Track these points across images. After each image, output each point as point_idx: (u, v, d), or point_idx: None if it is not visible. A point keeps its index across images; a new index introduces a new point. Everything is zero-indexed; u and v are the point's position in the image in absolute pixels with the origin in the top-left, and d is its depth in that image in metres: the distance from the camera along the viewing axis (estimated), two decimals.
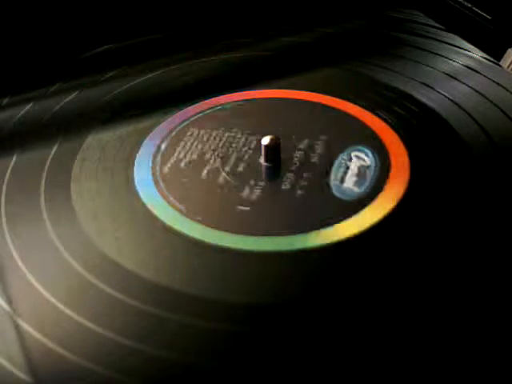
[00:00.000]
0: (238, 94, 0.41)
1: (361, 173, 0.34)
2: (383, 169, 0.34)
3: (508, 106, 0.39)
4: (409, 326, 0.27)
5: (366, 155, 0.34)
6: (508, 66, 0.43)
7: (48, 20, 0.48)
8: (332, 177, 0.33)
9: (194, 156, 0.36)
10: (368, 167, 0.33)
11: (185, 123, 0.39)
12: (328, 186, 0.33)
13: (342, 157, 0.34)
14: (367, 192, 0.33)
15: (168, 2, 0.50)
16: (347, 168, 0.33)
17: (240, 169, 0.35)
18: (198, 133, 0.38)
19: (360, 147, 0.35)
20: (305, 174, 0.35)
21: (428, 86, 0.41)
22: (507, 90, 0.40)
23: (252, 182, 0.34)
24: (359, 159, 0.33)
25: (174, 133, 0.38)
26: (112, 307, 0.28)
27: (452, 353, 0.26)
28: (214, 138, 0.37)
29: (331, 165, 0.34)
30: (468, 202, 0.33)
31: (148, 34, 0.48)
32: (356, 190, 0.33)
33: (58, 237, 0.32)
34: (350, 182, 0.33)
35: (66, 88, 0.43)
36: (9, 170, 0.36)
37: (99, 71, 0.44)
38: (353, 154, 0.34)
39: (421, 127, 0.38)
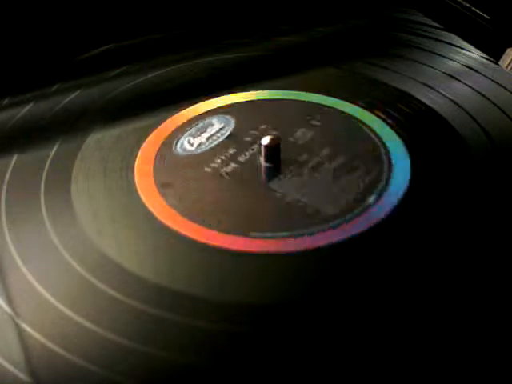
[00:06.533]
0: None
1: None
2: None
3: (508, 105, 0.39)
4: (409, 326, 0.27)
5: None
6: (507, 66, 0.43)
7: (48, 20, 0.48)
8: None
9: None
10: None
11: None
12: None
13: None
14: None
15: (168, 2, 0.50)
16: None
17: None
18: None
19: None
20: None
21: (428, 85, 0.41)
22: (507, 90, 0.40)
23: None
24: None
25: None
26: (112, 307, 0.28)
27: (452, 353, 0.26)
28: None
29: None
30: (468, 202, 0.33)
31: (148, 34, 0.48)
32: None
33: (58, 237, 0.32)
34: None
35: (66, 88, 0.43)
36: (9, 170, 0.36)
37: (99, 71, 0.44)
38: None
39: (420, 127, 0.38)
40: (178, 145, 0.37)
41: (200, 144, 0.37)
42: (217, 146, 0.37)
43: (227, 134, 0.37)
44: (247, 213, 0.33)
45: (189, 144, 0.37)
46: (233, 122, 0.38)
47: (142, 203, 0.33)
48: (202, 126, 0.37)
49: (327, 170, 0.35)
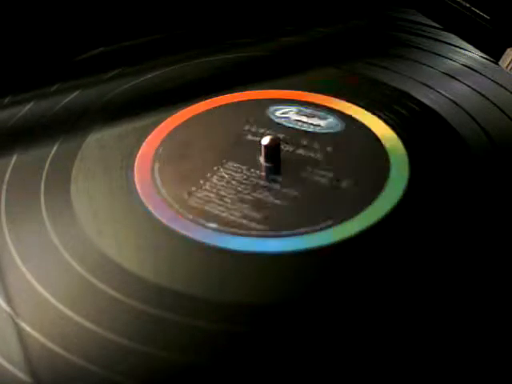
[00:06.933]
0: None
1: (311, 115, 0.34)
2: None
3: (508, 105, 0.39)
4: (408, 326, 0.27)
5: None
6: (507, 66, 0.43)
7: (48, 20, 0.48)
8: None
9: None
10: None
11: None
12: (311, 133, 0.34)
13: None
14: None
15: (168, 2, 0.50)
16: (303, 122, 0.34)
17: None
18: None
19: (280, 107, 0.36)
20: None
21: (428, 85, 0.41)
22: (507, 90, 0.40)
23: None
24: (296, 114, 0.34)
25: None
26: (111, 307, 0.28)
27: (452, 353, 0.26)
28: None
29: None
30: (468, 202, 0.33)
31: (148, 34, 0.48)
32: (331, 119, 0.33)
33: (58, 237, 0.32)
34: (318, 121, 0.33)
35: (66, 88, 0.43)
36: (9, 170, 0.36)
37: (99, 71, 0.44)
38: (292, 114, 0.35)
39: (420, 127, 0.38)
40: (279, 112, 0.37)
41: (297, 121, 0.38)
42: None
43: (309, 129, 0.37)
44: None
45: (296, 115, 0.37)
46: (338, 127, 0.38)
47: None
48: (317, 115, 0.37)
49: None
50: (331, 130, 0.37)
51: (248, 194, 0.34)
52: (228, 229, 0.32)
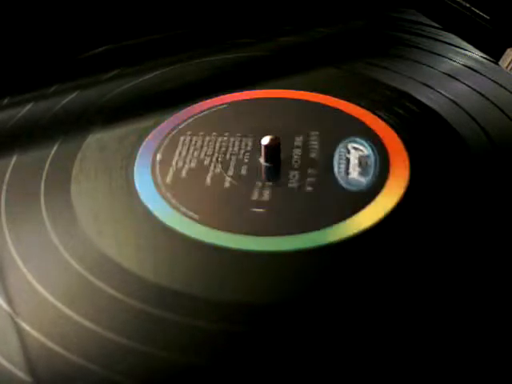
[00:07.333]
0: (237, 94, 0.41)
1: (362, 163, 0.34)
2: (383, 169, 0.35)
3: (508, 105, 0.39)
4: (408, 326, 0.27)
5: (363, 145, 0.33)
6: (507, 66, 0.43)
7: (48, 20, 0.48)
8: (336, 170, 0.33)
9: (194, 156, 0.36)
10: (368, 156, 0.33)
11: (185, 123, 0.39)
12: (335, 180, 0.33)
13: (340, 150, 0.34)
14: (374, 180, 0.33)
15: (168, 2, 0.50)
16: (348, 160, 0.34)
17: (242, 169, 0.35)
18: (199, 133, 0.38)
19: (355, 138, 0.35)
20: (308, 172, 0.35)
21: (428, 85, 0.41)
22: (507, 90, 0.40)
23: (256, 183, 0.34)
24: (357, 150, 0.33)
25: (175, 131, 0.38)
26: (111, 307, 0.28)
27: (452, 352, 0.26)
28: (215, 138, 0.37)
29: (332, 159, 0.34)
30: (468, 202, 0.33)
31: (148, 34, 0.48)
32: (363, 179, 0.33)
33: (58, 237, 0.32)
34: (355, 173, 0.33)
35: (66, 88, 0.43)
36: (9, 170, 0.36)
37: (99, 71, 0.44)
38: (350, 146, 0.34)
39: (420, 127, 0.38)
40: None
41: None
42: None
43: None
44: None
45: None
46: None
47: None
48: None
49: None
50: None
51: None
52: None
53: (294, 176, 0.34)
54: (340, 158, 0.34)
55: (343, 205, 0.33)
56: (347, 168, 0.33)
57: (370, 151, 0.33)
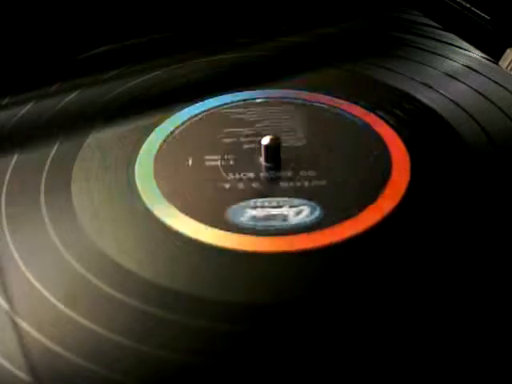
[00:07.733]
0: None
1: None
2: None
3: (508, 105, 0.39)
4: (408, 326, 0.28)
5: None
6: (507, 66, 0.43)
7: (48, 20, 0.48)
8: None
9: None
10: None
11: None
12: None
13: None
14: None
15: (168, 2, 0.50)
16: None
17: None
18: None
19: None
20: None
21: (428, 85, 0.41)
22: (507, 90, 0.40)
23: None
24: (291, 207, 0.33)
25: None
26: (112, 307, 0.28)
27: (452, 352, 0.26)
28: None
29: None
30: (468, 202, 0.33)
31: (148, 34, 0.48)
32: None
33: (58, 237, 0.32)
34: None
35: (66, 88, 0.43)
36: (9, 170, 0.36)
37: (99, 71, 0.44)
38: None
39: (421, 127, 0.38)
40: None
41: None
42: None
43: None
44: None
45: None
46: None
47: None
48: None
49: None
50: None
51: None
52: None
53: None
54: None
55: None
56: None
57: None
